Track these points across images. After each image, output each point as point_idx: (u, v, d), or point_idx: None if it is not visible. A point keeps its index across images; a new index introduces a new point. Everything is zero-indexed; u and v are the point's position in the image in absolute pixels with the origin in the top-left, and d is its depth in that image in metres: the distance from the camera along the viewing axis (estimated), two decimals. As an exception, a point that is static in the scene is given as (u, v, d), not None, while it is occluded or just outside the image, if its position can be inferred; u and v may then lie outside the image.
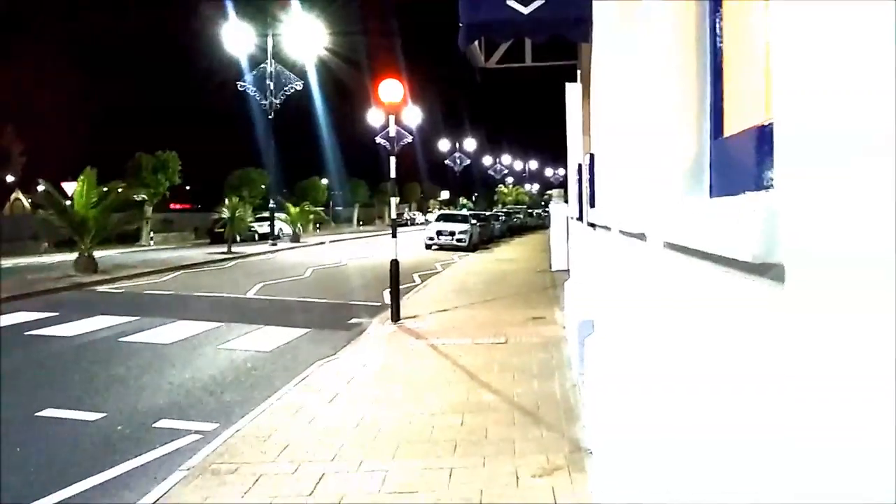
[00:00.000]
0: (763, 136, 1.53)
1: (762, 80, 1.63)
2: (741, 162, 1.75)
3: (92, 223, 21.64)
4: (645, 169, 2.74)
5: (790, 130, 1.11)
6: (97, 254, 22.24)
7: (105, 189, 22.62)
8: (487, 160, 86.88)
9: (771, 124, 1.36)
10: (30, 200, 48.54)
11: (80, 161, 23.90)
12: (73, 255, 22.34)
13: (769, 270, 1.17)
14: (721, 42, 2.09)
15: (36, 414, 7.13)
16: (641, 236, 2.65)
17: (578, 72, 9.81)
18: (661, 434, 2.32)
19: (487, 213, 48.19)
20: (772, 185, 1.40)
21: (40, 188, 24.92)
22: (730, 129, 2.01)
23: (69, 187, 24.76)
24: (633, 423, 3.00)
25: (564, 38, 6.60)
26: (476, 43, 8.99)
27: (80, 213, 21.65)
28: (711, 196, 2.05)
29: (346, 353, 9.77)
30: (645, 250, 2.57)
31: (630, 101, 3.18)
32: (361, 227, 66.88)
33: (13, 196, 56.56)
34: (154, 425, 6.81)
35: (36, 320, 12.79)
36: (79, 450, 6.22)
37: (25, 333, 11.62)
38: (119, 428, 6.77)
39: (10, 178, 36.97)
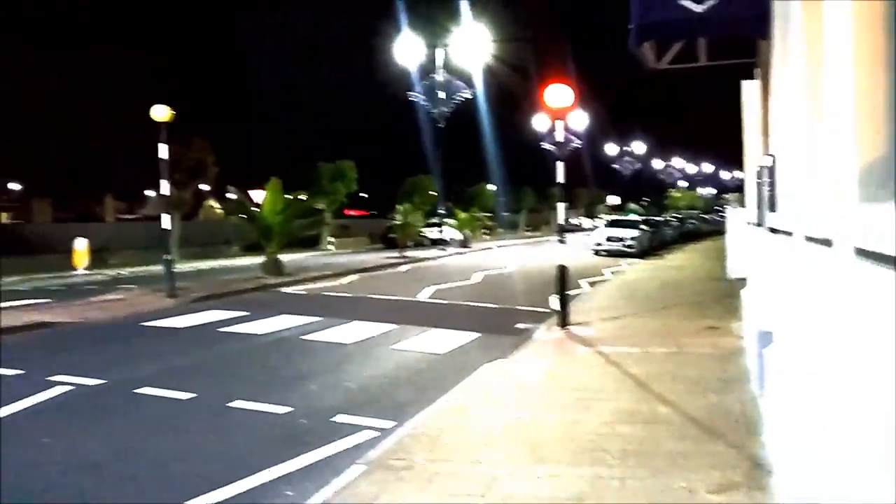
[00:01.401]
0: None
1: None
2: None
3: (277, 229, 23.15)
4: (830, 171, 2.60)
5: None
6: (282, 257, 23.73)
7: (289, 197, 24.08)
8: (658, 163, 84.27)
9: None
10: (222, 208, 52.51)
11: (266, 170, 25.57)
12: (261, 259, 23.97)
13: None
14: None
15: (227, 405, 7.73)
16: (827, 242, 2.52)
17: (756, 69, 9.36)
18: (852, 455, 2.20)
19: (658, 219, 46.77)
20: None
21: (231, 196, 26.87)
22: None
23: (257, 195, 26.57)
24: (820, 441, 2.85)
25: (739, 36, 6.35)
26: (647, 44, 8.80)
27: (266, 219, 23.21)
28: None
29: (514, 357, 9.85)
30: (832, 257, 2.45)
31: (814, 99, 3.03)
32: (528, 233, 66.92)
33: (207, 203, 61.39)
34: (333, 420, 7.19)
35: (228, 318, 13.83)
36: (265, 439, 6.68)
37: (218, 330, 12.61)
38: (302, 421, 7.21)
39: (204, 187, 40.09)
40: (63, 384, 8.54)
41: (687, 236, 47.50)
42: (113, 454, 6.26)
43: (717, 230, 41.60)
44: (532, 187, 69.37)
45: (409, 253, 33.68)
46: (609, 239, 32.66)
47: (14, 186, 71.96)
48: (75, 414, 7.51)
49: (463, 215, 44.80)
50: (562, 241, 12.82)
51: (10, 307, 15.60)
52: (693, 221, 56.28)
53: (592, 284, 19.73)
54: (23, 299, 17.25)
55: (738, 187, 27.72)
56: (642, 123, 76.51)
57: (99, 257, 28.57)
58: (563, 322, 12.10)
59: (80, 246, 26.57)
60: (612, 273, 23.46)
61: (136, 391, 8.22)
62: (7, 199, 72.18)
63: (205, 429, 6.98)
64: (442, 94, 38.91)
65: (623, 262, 28.30)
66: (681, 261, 29.77)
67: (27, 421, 7.20)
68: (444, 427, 6.61)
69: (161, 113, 17.17)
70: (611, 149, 73.64)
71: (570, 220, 76.58)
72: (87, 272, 25.67)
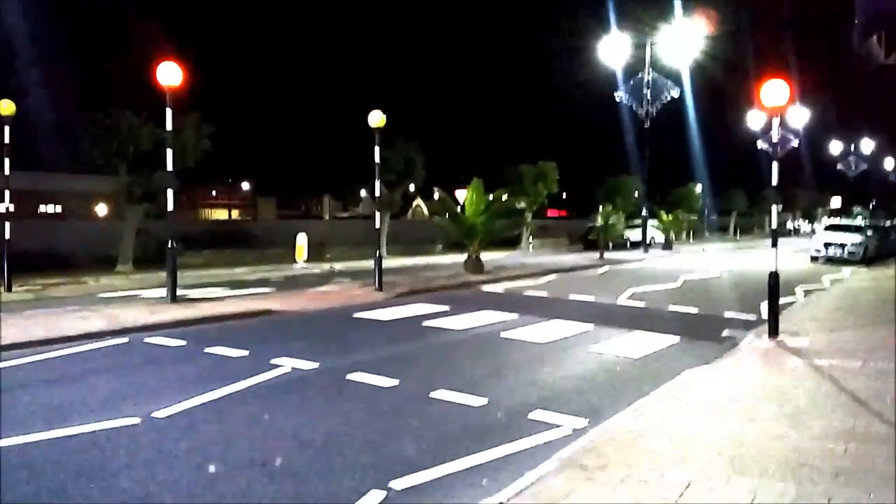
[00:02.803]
0: None
1: None
2: None
3: (479, 228, 23.71)
4: None
5: None
6: (483, 256, 24.27)
7: (491, 197, 24.56)
8: (889, 163, 76.71)
9: None
10: (428, 207, 54.50)
11: (470, 171, 26.24)
12: (463, 257, 24.66)
13: None
14: None
15: (430, 394, 8.09)
16: None
17: None
18: None
19: (888, 224, 42.63)
20: None
21: (436, 196, 27.84)
22: None
23: (460, 195, 27.34)
24: None
25: None
26: (874, 38, 8.13)
27: (469, 219, 23.85)
28: None
29: (718, 365, 9.48)
30: None
31: None
32: (738, 237, 63.54)
33: (415, 203, 63.99)
34: (528, 416, 7.31)
35: (431, 313, 14.41)
36: (463, 429, 6.93)
37: (423, 324, 13.17)
38: (498, 415, 7.40)
39: (412, 188, 41.81)
40: (282, 367, 9.35)
41: (922, 244, 42.91)
42: (324, 432, 6.77)
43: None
44: (743, 189, 65.73)
45: (609, 255, 33.18)
46: (828, 245, 30.32)
47: (244, 186, 78.98)
48: (292, 394, 8.18)
49: (667, 217, 43.42)
50: (774, 246, 12.10)
51: (239, 295, 17.25)
52: (934, 227, 50.74)
53: (808, 293, 18.45)
54: (249, 288, 18.98)
55: None
56: (870, 120, 69.95)
57: (316, 252, 30.73)
58: (774, 331, 11.46)
59: (301, 241, 28.75)
60: (831, 282, 21.77)
61: (346, 376, 8.83)
62: (238, 198, 79.36)
63: (407, 415, 7.36)
64: (649, 93, 37.93)
65: (845, 269, 26.16)
66: (914, 270, 27.01)
67: (251, 398, 7.96)
68: (640, 430, 6.53)
69: (376, 119, 18.18)
70: (834, 147, 68.03)
71: (784, 223, 71.86)
72: (306, 265, 27.72)
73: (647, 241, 38.32)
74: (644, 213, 39.62)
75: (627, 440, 6.25)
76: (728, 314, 14.71)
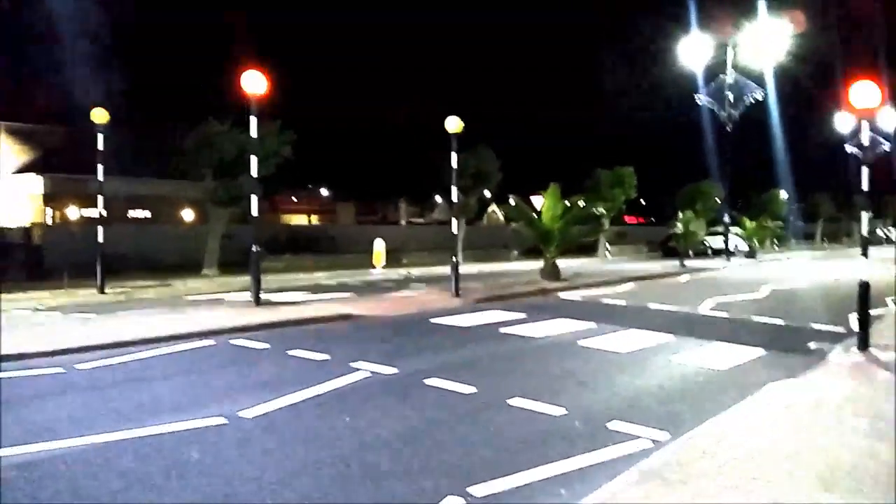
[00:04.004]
0: None
1: None
2: None
3: (556, 234, 23.58)
4: None
5: None
6: (559, 262, 24.11)
7: (567, 203, 24.40)
8: None
9: None
10: (503, 213, 54.45)
11: (546, 177, 26.13)
12: (539, 263, 24.55)
13: None
14: None
15: (507, 400, 8.09)
16: None
17: None
18: None
19: None
20: None
21: (511, 202, 27.82)
22: None
23: (536, 201, 27.25)
24: None
25: None
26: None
27: (545, 225, 23.74)
28: None
29: (804, 378, 9.18)
30: None
31: None
32: (825, 245, 61.30)
33: (489, 209, 64.03)
34: (607, 426, 7.23)
35: (508, 320, 14.40)
36: (540, 438, 6.90)
37: (499, 331, 13.18)
38: (576, 424, 7.34)
39: (487, 194, 41.87)
40: (362, 370, 9.50)
41: None
42: (403, 436, 6.86)
43: None
44: (830, 194, 63.39)
45: (690, 262, 32.51)
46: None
47: (323, 191, 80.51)
48: (371, 398, 8.31)
49: (750, 224, 42.30)
50: (865, 255, 11.65)
51: (320, 300, 17.60)
52: None
53: (902, 304, 17.69)
54: (330, 293, 19.35)
55: None
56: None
57: (393, 257, 31.10)
58: (864, 344, 11.03)
59: (378, 247, 29.16)
60: (928, 292, 20.78)
61: (424, 381, 8.91)
62: (317, 203, 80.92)
63: (485, 422, 7.38)
64: (731, 96, 37.00)
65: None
66: None
67: (332, 400, 8.12)
68: (724, 443, 6.38)
69: (453, 125, 18.31)
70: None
71: (875, 231, 68.97)
72: (383, 270, 28.09)
73: (730, 249, 37.36)
74: (726, 219, 38.67)
75: (710, 453, 6.11)
76: (815, 325, 14.22)
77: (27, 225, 30.86)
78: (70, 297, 18.03)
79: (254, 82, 15.75)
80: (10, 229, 28.84)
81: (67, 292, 19.03)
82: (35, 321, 13.83)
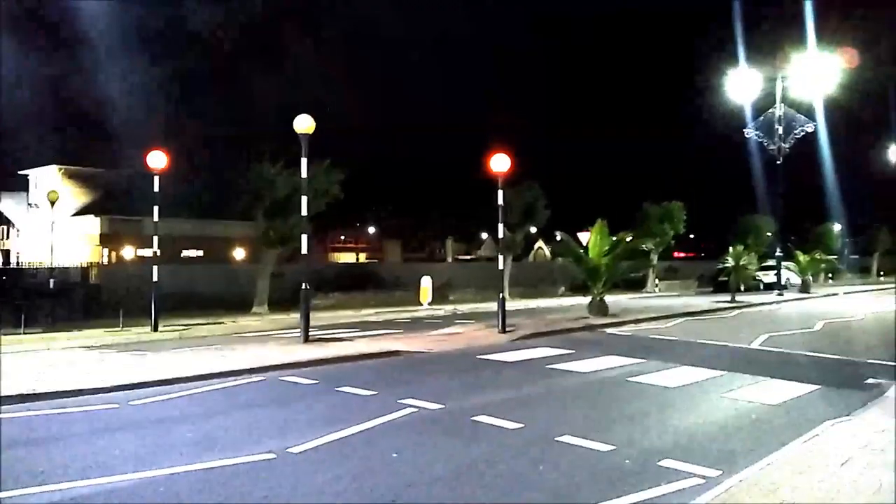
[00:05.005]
0: None
1: None
2: None
3: (603, 270, 23.42)
4: None
5: None
6: (607, 298, 23.91)
7: (615, 239, 24.25)
8: None
9: None
10: (550, 249, 54.29)
11: (593, 212, 26.07)
12: (586, 299, 24.39)
13: None
14: None
15: (555, 438, 8.01)
16: None
17: None
18: None
19: None
20: None
21: (558, 238, 27.76)
22: None
23: (583, 237, 27.15)
24: None
25: None
26: None
27: (593, 260, 23.61)
28: None
29: (862, 415, 8.92)
30: None
31: None
32: (882, 278, 59.64)
33: (536, 245, 63.92)
34: (658, 463, 7.12)
35: (555, 355, 14.30)
36: (590, 476, 6.82)
37: (547, 367, 13.09)
38: (626, 462, 7.24)
39: (533, 230, 41.84)
40: (409, 406, 9.52)
41: None
42: (451, 472, 6.84)
43: None
44: (888, 226, 61.81)
45: (742, 297, 31.92)
46: None
47: (371, 230, 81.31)
48: (419, 434, 8.31)
49: (803, 258, 41.44)
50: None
51: (367, 335, 17.71)
52: None
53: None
54: (377, 329, 19.46)
55: None
56: None
57: (440, 294, 31.17)
58: (926, 379, 10.68)
59: (425, 283, 29.28)
60: None
61: (471, 418, 8.89)
62: (365, 241, 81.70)
63: (533, 458, 7.32)
64: (781, 129, 36.53)
65: None
66: None
67: (380, 436, 8.15)
68: (779, 482, 6.23)
69: (500, 164, 18.39)
70: None
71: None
72: (430, 307, 28.14)
73: (782, 283, 36.62)
74: (778, 253, 37.97)
75: (765, 492, 5.98)
76: (872, 360, 13.83)
77: (84, 264, 31.79)
78: (125, 335, 18.45)
79: (304, 122, 16.11)
80: (69, 269, 29.74)
81: (122, 330, 19.49)
82: (91, 358, 14.18)
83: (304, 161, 16.51)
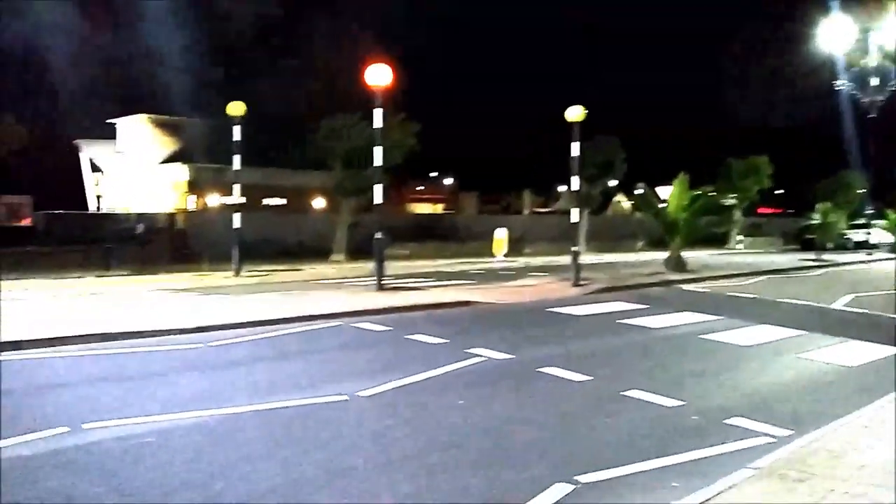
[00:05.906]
0: None
1: None
2: None
3: (682, 225, 22.95)
4: None
5: None
6: (686, 254, 23.45)
7: (696, 193, 23.67)
8: None
9: None
10: (630, 203, 53.35)
11: (674, 166, 25.43)
12: (664, 254, 23.98)
13: None
14: None
15: (622, 392, 8.00)
16: None
17: None
18: None
19: None
20: None
21: (638, 192, 27.27)
22: None
23: (663, 191, 26.58)
24: None
25: None
26: None
27: (672, 215, 23.14)
28: None
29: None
30: None
31: None
32: None
33: (615, 199, 62.84)
34: (726, 421, 7.03)
35: (627, 310, 14.19)
36: (655, 430, 6.80)
37: (618, 321, 13.00)
38: (694, 418, 7.18)
39: (612, 183, 41.12)
40: (478, 356, 9.64)
41: None
42: (515, 422, 6.94)
43: None
44: None
45: (828, 256, 30.84)
46: None
47: (447, 181, 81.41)
48: (486, 383, 8.43)
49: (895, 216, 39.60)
50: None
51: (441, 286, 17.92)
52: None
53: None
54: (451, 280, 19.65)
55: None
56: None
57: (515, 246, 31.12)
58: None
59: (500, 235, 29.27)
60: None
61: (539, 369, 8.95)
62: (442, 193, 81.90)
63: (598, 411, 7.35)
64: (875, 81, 34.62)
65: None
66: None
67: (448, 383, 8.30)
68: (850, 445, 6.09)
69: (575, 113, 18.13)
70: None
71: None
72: (504, 259, 28.18)
73: (873, 243, 35.15)
74: (869, 210, 36.38)
75: (834, 454, 5.85)
76: (965, 325, 13.25)
77: (172, 211, 32.95)
78: (208, 279, 19.16)
79: (378, 75, 16.16)
80: (157, 215, 30.90)
81: (206, 274, 20.23)
82: (176, 300, 14.80)
83: (377, 112, 16.62)
